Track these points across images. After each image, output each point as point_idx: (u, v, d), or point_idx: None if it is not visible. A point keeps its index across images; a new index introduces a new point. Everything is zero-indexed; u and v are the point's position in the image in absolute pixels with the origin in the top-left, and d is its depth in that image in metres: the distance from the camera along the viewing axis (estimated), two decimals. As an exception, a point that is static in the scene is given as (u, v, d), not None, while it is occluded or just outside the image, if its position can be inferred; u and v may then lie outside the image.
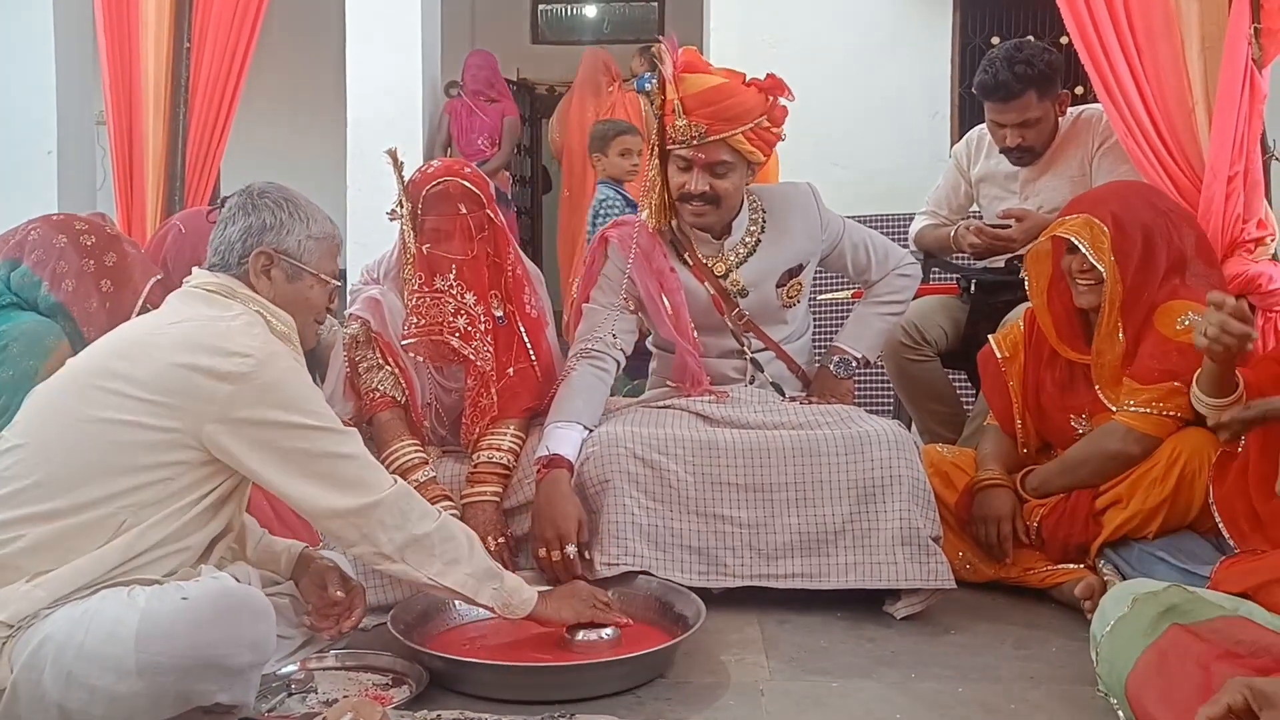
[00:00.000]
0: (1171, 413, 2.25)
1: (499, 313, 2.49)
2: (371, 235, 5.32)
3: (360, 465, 1.77)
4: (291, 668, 1.91)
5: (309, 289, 1.88)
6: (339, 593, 1.91)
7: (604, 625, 2.00)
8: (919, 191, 3.60)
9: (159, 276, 2.38)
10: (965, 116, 5.55)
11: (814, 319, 2.87)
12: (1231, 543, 2.11)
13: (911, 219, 3.52)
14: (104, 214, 2.72)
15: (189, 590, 1.59)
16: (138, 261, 2.38)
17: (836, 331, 2.78)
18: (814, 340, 2.84)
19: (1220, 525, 2.12)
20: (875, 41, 5.50)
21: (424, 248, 2.41)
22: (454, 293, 2.40)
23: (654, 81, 2.50)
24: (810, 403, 2.55)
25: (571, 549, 2.20)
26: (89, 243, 2.29)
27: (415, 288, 2.41)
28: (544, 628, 2.00)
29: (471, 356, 2.41)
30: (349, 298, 2.66)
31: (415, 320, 2.40)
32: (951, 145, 5.49)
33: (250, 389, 1.66)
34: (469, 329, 2.41)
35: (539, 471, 2.33)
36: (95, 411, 1.65)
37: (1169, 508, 2.24)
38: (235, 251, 1.83)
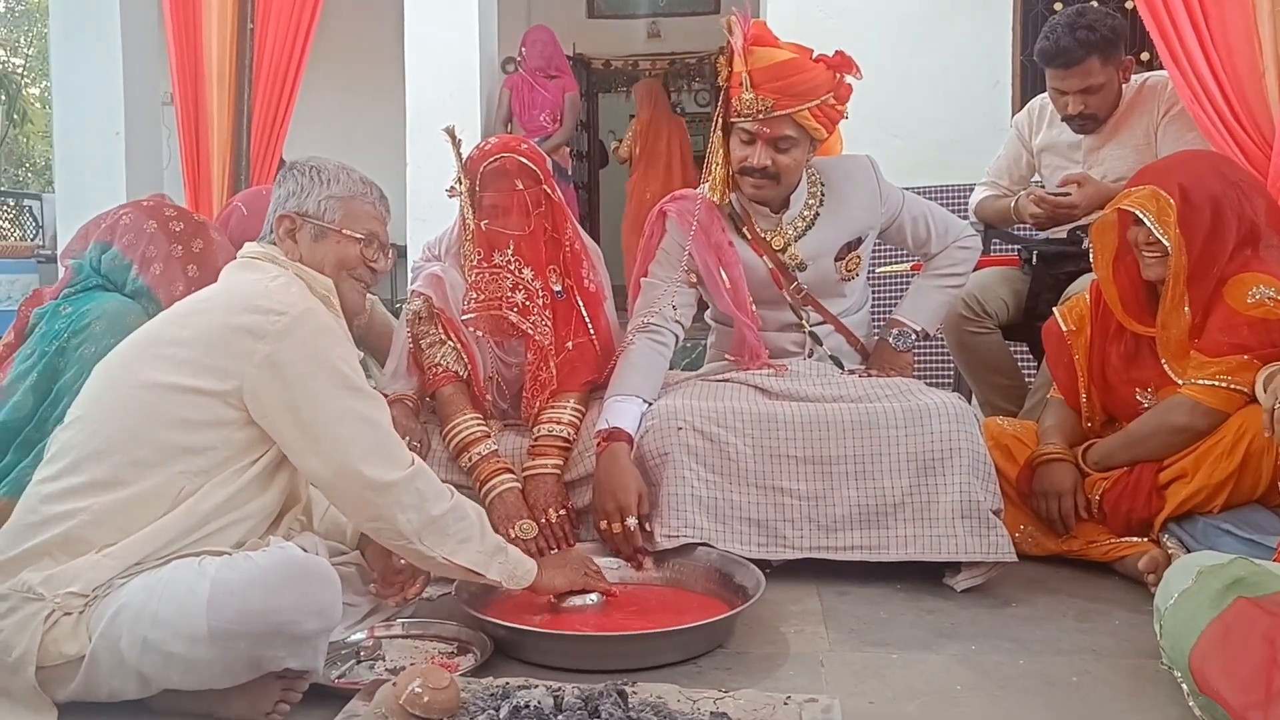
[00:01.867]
0: (1239, 387, 2.21)
1: (557, 287, 2.52)
2: (432, 211, 5.39)
3: (384, 435, 1.79)
4: (360, 635, 1.96)
5: (335, 245, 1.90)
6: (402, 561, 1.96)
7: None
8: (979, 162, 3.55)
9: None
10: (1027, 85, 5.44)
11: (872, 292, 2.85)
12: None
13: (971, 190, 3.49)
14: (164, 195, 2.77)
15: (257, 559, 1.63)
16: (221, 248, 2.43)
17: (895, 304, 2.77)
18: (873, 313, 2.82)
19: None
20: (934, 9, 5.41)
21: (482, 224, 2.44)
22: (512, 268, 2.44)
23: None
24: (869, 375, 2.54)
25: (632, 521, 2.24)
26: (178, 229, 2.35)
27: (474, 263, 2.44)
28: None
29: (530, 331, 2.45)
30: (411, 274, 2.70)
31: (474, 296, 2.45)
32: (1012, 115, 5.38)
33: (285, 345, 1.70)
34: (527, 304, 2.44)
35: (599, 445, 2.36)
36: (145, 376, 1.71)
37: (1235, 483, 2.22)
38: (269, 221, 1.91)
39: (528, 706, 1.38)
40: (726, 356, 2.65)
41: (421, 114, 5.67)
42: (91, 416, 1.72)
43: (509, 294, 2.44)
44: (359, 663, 1.90)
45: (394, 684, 1.49)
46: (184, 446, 1.69)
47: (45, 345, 2.23)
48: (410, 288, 2.60)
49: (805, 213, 2.60)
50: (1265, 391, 2.08)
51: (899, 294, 2.85)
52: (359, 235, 1.93)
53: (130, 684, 1.60)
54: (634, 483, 2.28)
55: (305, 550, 1.75)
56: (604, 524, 2.26)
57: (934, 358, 4.27)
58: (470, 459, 2.38)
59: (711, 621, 1.94)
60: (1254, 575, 1.63)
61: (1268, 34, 2.72)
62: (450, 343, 2.49)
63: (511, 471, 2.39)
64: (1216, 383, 2.23)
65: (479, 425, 2.43)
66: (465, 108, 5.72)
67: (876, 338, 2.74)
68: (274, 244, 1.89)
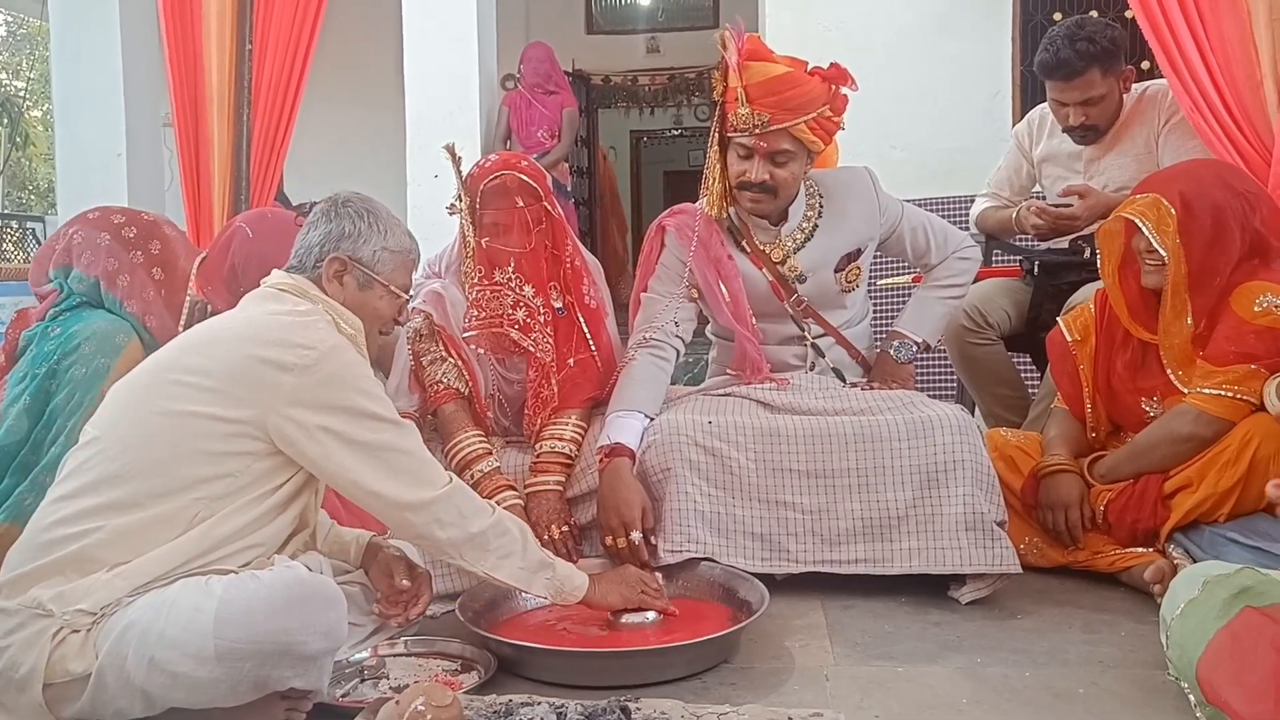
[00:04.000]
0: (1245, 396, 2.21)
1: (558, 304, 2.51)
2: (431, 230, 5.38)
3: (418, 461, 1.81)
4: (363, 654, 1.95)
5: (379, 299, 1.92)
6: (405, 581, 1.96)
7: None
8: (979, 173, 3.56)
9: (203, 255, 2.43)
10: (1027, 96, 5.44)
11: (873, 304, 2.85)
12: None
13: (971, 200, 3.49)
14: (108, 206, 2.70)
15: (264, 579, 1.63)
16: (179, 242, 2.41)
17: (896, 316, 2.77)
18: (873, 325, 2.82)
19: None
20: (934, 21, 5.43)
21: (483, 241, 2.45)
22: (513, 285, 2.44)
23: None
24: (871, 388, 2.54)
25: (637, 535, 2.24)
26: (131, 235, 2.33)
27: (475, 281, 2.44)
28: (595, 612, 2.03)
29: (531, 348, 2.45)
30: (412, 291, 2.69)
31: (475, 313, 2.45)
32: (1013, 125, 5.40)
33: (313, 380, 1.71)
34: (528, 321, 2.44)
35: (601, 460, 2.35)
36: (168, 404, 1.70)
37: (1241, 491, 2.21)
38: (313, 255, 1.89)
39: (531, 724, 1.37)
40: (728, 371, 2.65)
41: (421, 131, 5.68)
42: (110, 439, 1.71)
43: (510, 311, 2.44)
44: (363, 681, 1.89)
45: (397, 702, 1.48)
46: (204, 473, 1.69)
47: (36, 368, 2.22)
48: (411, 305, 2.59)
49: (804, 225, 2.60)
50: (1277, 399, 2.08)
51: (899, 306, 2.85)
52: (403, 294, 1.96)
53: (136, 703, 1.60)
54: (637, 497, 2.27)
55: (311, 569, 1.76)
56: (609, 539, 2.26)
57: (936, 369, 4.26)
58: (473, 476, 2.38)
59: (716, 637, 1.93)
60: (1261, 584, 1.63)
61: (1265, 43, 2.72)
62: (451, 360, 2.48)
63: (514, 488, 2.38)
64: (1222, 392, 2.23)
65: (481, 442, 2.43)
66: (465, 125, 5.73)
67: (878, 350, 2.73)
68: (308, 277, 1.88)
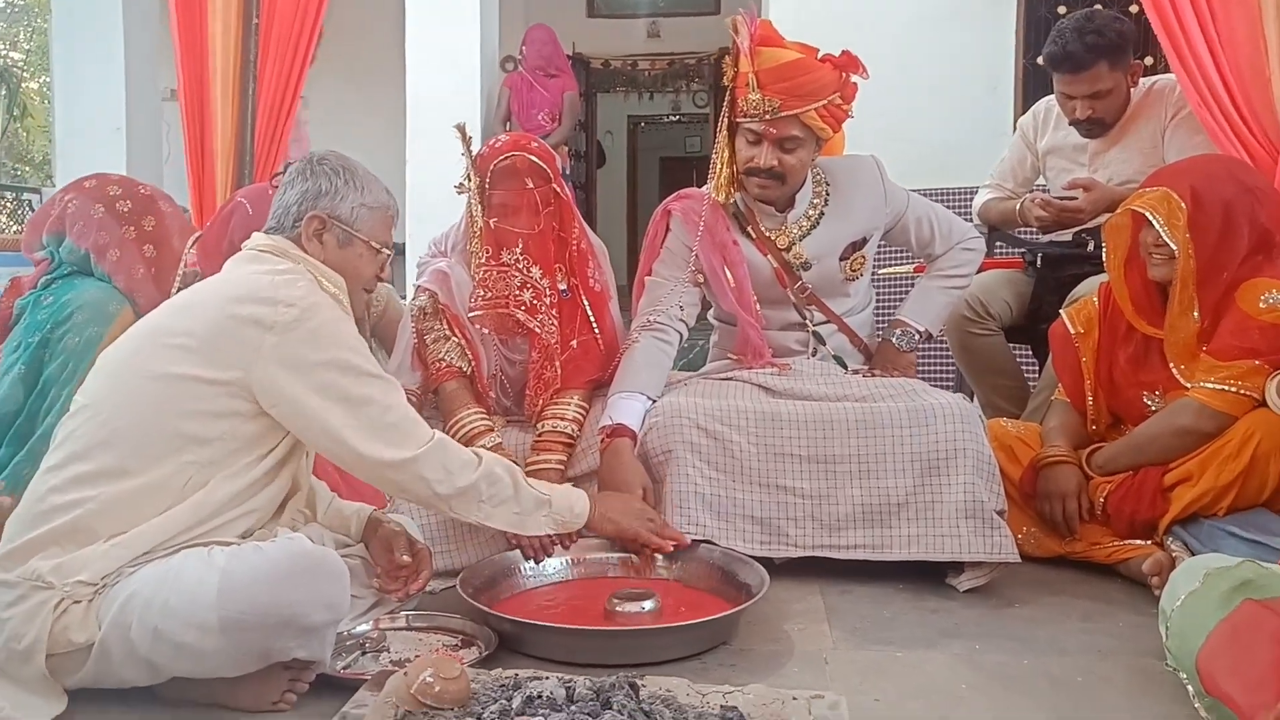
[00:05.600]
0: (1249, 391, 2.22)
1: (563, 286, 2.51)
2: (432, 211, 5.38)
3: (401, 415, 1.81)
4: (365, 627, 1.96)
5: (359, 256, 1.91)
6: (405, 557, 1.96)
7: (644, 596, 2.01)
8: (977, 165, 3.56)
9: (198, 234, 2.41)
10: (1029, 90, 5.44)
11: (876, 292, 2.85)
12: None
13: (971, 192, 3.49)
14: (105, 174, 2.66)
15: (267, 551, 1.64)
16: (175, 221, 2.39)
17: (898, 305, 2.77)
18: (876, 314, 2.82)
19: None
20: (936, 12, 5.42)
21: (491, 222, 2.44)
22: (520, 266, 2.43)
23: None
24: (873, 375, 2.54)
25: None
26: (126, 209, 2.31)
27: (482, 261, 2.44)
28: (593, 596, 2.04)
29: (536, 329, 2.44)
30: (417, 269, 2.69)
31: (482, 293, 2.44)
32: (1014, 119, 5.40)
33: (294, 337, 1.70)
34: (534, 302, 2.44)
35: (602, 441, 2.35)
36: (154, 367, 1.70)
37: (1241, 486, 2.22)
38: (290, 215, 1.88)
39: (540, 697, 1.38)
40: (730, 355, 2.65)
41: (422, 111, 5.67)
42: (99, 406, 1.71)
43: (516, 292, 2.44)
44: (364, 654, 1.89)
45: (405, 674, 1.48)
46: (192, 437, 1.69)
47: (29, 337, 2.22)
48: (416, 283, 2.59)
49: (810, 212, 2.60)
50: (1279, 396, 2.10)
51: (901, 295, 2.86)
52: (384, 250, 1.94)
53: (140, 672, 1.61)
54: (638, 478, 2.28)
55: (314, 541, 1.76)
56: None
57: (935, 358, 4.27)
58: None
59: (716, 618, 1.94)
60: (1262, 578, 1.63)
61: (1274, 38, 2.72)
62: (455, 339, 2.48)
63: (516, 465, 2.38)
64: (1226, 387, 2.23)
65: (483, 419, 2.43)
66: (465, 106, 5.72)
67: (879, 339, 2.74)
68: (288, 237, 1.87)
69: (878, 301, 2.86)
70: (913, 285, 2.82)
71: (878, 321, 2.83)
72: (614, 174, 11.34)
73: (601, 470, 2.33)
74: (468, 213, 2.49)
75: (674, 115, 11.29)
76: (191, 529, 1.67)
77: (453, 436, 2.40)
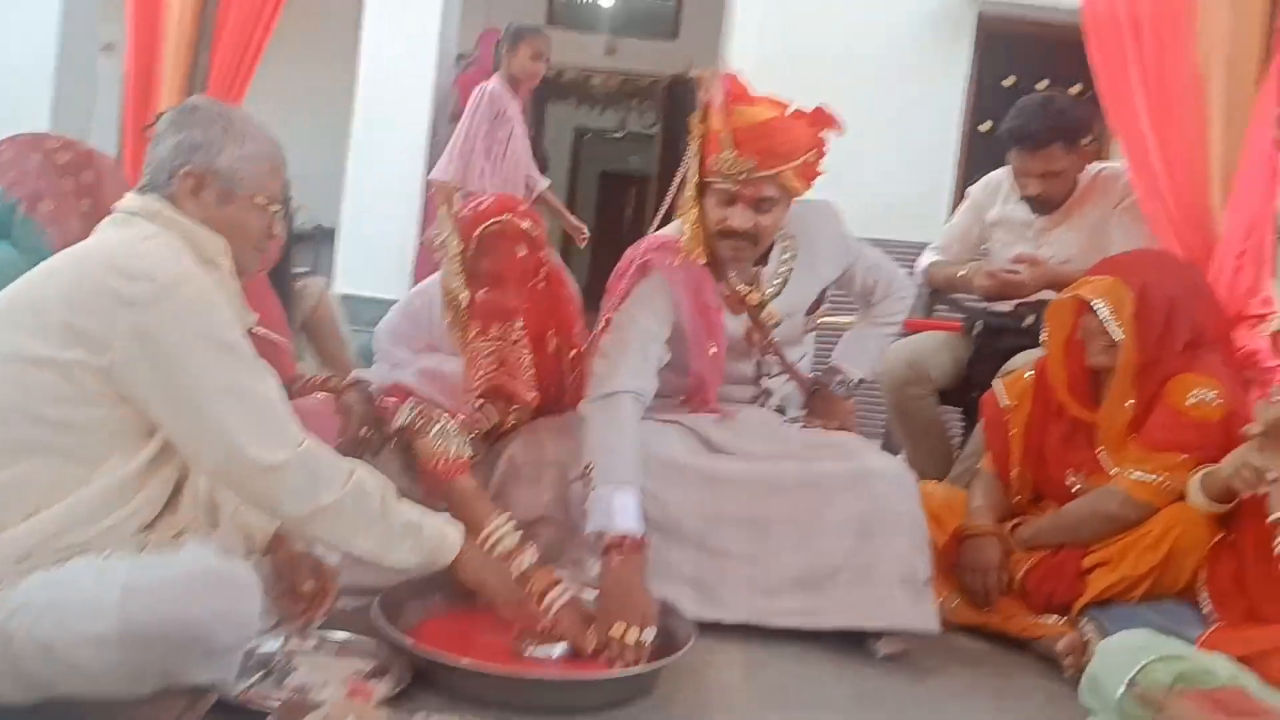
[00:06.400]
0: (1173, 484, 2.26)
1: (551, 348, 2.47)
2: (374, 201, 5.30)
3: (270, 409, 1.63)
4: (273, 645, 1.83)
5: (243, 213, 1.71)
6: (308, 585, 1.84)
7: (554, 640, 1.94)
8: (917, 220, 3.58)
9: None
10: (972, 154, 5.56)
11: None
12: (1216, 615, 2.13)
13: (907, 246, 3.52)
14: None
15: (173, 564, 1.51)
16: (114, 177, 2.28)
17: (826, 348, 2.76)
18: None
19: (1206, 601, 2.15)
20: (894, 62, 5.49)
21: (479, 293, 2.33)
22: (511, 338, 2.36)
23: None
24: (813, 425, 2.52)
25: (650, 633, 2.00)
26: (64, 160, 2.20)
27: (471, 337, 2.34)
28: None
29: (532, 401, 2.40)
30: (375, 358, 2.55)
31: (476, 371, 2.34)
32: (953, 181, 5.51)
33: (153, 315, 1.53)
34: (530, 376, 2.39)
35: (609, 550, 2.10)
36: (9, 346, 1.54)
37: (1157, 576, 2.25)
38: (164, 171, 1.68)
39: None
40: (673, 397, 2.50)
41: (370, 101, 5.58)
42: None
43: (514, 366, 2.36)
44: (267, 676, 1.79)
45: (327, 717, 1.40)
46: (58, 423, 1.53)
47: None
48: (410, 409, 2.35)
49: (780, 269, 2.49)
50: (1200, 494, 2.14)
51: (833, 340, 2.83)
52: (267, 204, 1.75)
53: (18, 689, 1.46)
54: (650, 598, 2.07)
55: (223, 553, 1.64)
56: (619, 631, 1.98)
57: (866, 408, 4.30)
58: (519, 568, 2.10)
59: (638, 671, 1.89)
60: (1197, 672, 1.65)
61: (1218, 147, 2.78)
62: (452, 425, 2.29)
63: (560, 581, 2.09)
64: (1152, 478, 2.28)
65: (513, 531, 2.14)
66: (417, 100, 5.64)
67: (814, 387, 2.68)
68: (162, 196, 1.68)
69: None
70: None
71: (813, 365, 2.79)
72: (554, 183, 11.27)
73: (607, 583, 2.05)
74: (442, 287, 2.36)
75: (619, 132, 11.29)
76: (75, 528, 1.52)
77: (486, 548, 2.07)
